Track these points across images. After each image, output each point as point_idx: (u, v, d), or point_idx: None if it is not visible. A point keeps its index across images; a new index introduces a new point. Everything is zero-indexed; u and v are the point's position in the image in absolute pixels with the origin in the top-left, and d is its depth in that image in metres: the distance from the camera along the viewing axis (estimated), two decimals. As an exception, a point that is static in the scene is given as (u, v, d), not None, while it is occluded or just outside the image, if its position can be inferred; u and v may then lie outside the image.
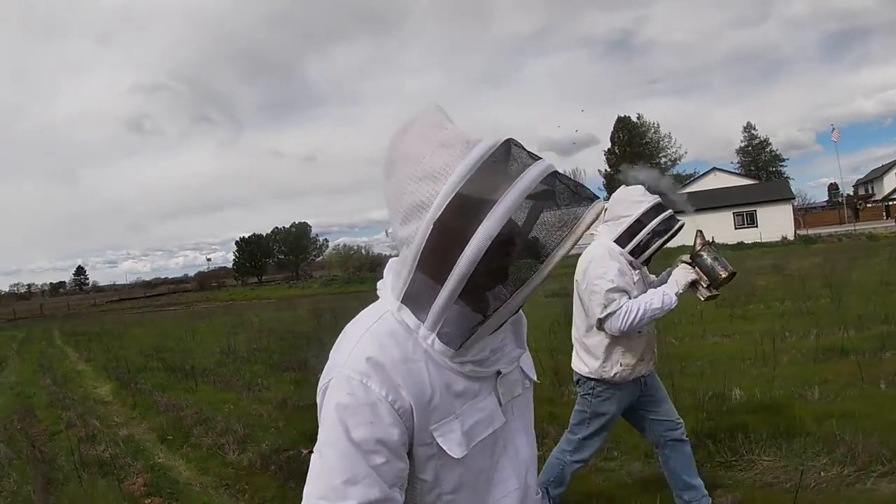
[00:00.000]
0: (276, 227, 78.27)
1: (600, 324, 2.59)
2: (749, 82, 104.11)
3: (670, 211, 2.67)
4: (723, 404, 4.42)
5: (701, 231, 2.71)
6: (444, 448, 0.92)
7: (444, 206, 0.83)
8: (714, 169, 46.43)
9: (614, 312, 2.54)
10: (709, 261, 2.58)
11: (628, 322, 2.52)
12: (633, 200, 2.67)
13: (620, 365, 2.64)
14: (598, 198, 0.87)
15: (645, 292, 2.65)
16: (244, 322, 17.08)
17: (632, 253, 2.64)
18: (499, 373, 1.00)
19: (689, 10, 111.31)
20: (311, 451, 0.92)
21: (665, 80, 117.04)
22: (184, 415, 6.24)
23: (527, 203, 0.84)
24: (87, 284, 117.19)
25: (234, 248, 78.44)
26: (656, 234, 2.63)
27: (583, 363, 2.75)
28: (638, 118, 61.87)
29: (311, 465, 0.90)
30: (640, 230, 2.60)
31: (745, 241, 32.84)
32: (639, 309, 2.52)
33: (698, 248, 2.62)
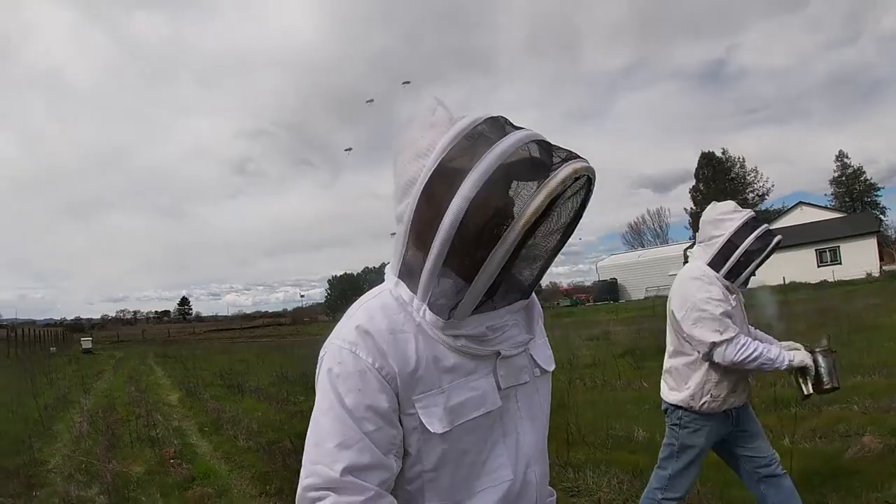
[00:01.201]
0: (367, 267, 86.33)
1: (710, 349, 2.62)
2: (849, 106, 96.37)
3: (765, 226, 2.69)
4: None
5: (829, 335, 2.86)
6: (424, 421, 1.01)
7: (426, 179, 0.97)
8: (800, 203, 45.11)
9: (731, 340, 2.57)
10: (824, 364, 2.66)
11: (743, 356, 2.56)
12: (722, 218, 2.72)
13: (711, 395, 2.66)
14: (578, 156, 0.96)
15: (742, 318, 2.76)
16: (314, 353, 19.71)
17: (728, 276, 2.67)
18: (499, 354, 1.07)
19: (779, 34, 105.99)
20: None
21: (763, 110, 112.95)
22: (223, 416, 8.48)
23: (511, 172, 0.94)
24: (191, 314, 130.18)
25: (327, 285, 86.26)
26: (752, 253, 2.65)
27: (671, 391, 2.79)
28: (723, 153, 61.87)
29: (307, 435, 1.03)
30: (734, 251, 2.64)
31: (828, 280, 32.01)
32: (756, 349, 2.56)
33: (821, 347, 2.68)
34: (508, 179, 0.96)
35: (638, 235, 67.91)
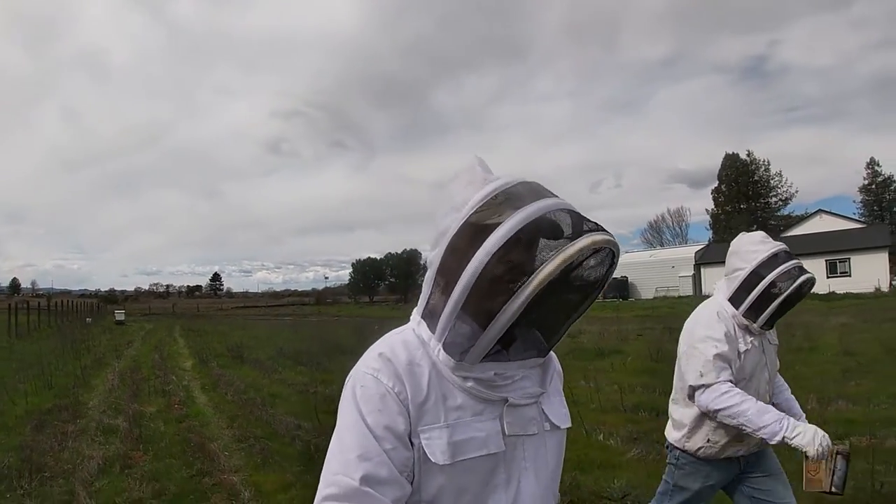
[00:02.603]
0: (389, 252, 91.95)
1: (692, 391, 2.57)
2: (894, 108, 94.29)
3: (796, 261, 2.53)
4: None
5: (851, 442, 2.80)
6: (427, 451, 1.09)
7: (455, 231, 1.09)
8: (819, 211, 46.21)
9: (711, 385, 2.50)
10: (837, 467, 2.48)
11: (719, 406, 2.47)
12: (748, 250, 2.59)
13: (708, 441, 2.60)
14: (601, 229, 1.04)
15: (761, 364, 2.63)
16: (323, 333, 22.54)
17: (748, 314, 2.55)
18: (506, 401, 1.15)
19: (824, 31, 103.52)
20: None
21: (803, 108, 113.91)
22: (221, 379, 11.26)
23: (534, 235, 1.03)
24: (221, 290, 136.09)
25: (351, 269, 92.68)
26: (777, 289, 2.50)
27: (671, 428, 2.77)
28: (748, 155, 62.77)
29: (329, 450, 1.12)
30: (756, 285, 2.51)
31: (837, 291, 32.97)
32: (739, 405, 2.43)
33: (841, 450, 2.50)
34: (531, 241, 1.03)
35: (658, 234, 69.31)
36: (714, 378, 2.50)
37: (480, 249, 1.01)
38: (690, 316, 2.73)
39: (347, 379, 1.18)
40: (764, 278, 2.51)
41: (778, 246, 2.58)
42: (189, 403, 9.19)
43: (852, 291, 33.09)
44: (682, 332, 2.71)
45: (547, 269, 0.98)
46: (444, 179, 1.22)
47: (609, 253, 1.06)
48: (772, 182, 62.13)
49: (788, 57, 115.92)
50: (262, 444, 6.38)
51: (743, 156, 63.10)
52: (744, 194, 60.11)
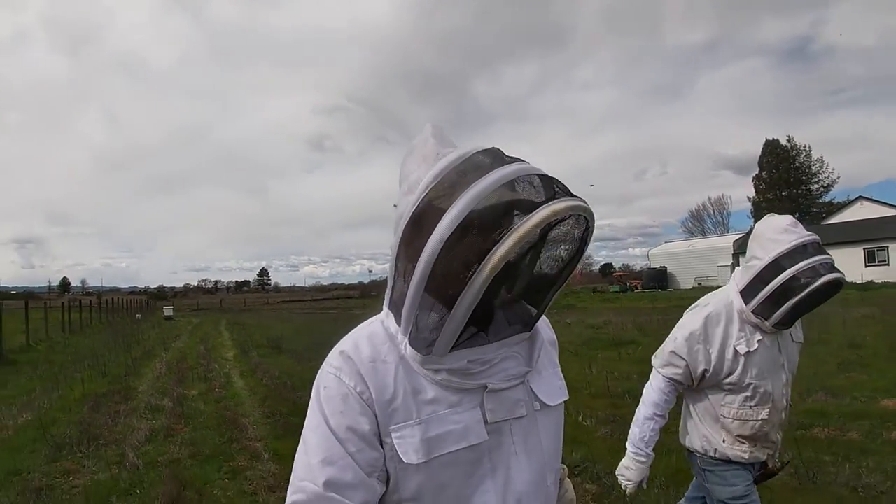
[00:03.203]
0: None
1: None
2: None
3: (825, 256, 2.24)
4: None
5: (781, 461, 2.64)
6: (399, 451, 1.06)
7: (409, 216, 1.01)
8: (860, 198, 44.85)
9: (654, 370, 2.57)
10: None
11: (644, 394, 2.57)
12: (772, 237, 2.32)
13: (704, 439, 2.54)
14: (567, 195, 0.97)
15: (780, 363, 2.44)
16: (350, 326, 23.71)
17: (762, 311, 2.32)
18: (486, 387, 1.10)
19: (869, 10, 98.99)
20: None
21: (850, 90, 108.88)
22: (259, 367, 12.36)
23: (492, 210, 0.94)
24: (269, 285, 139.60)
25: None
26: (796, 286, 2.22)
27: (682, 432, 2.70)
28: (788, 141, 61.78)
29: (296, 453, 1.11)
30: (773, 279, 2.25)
31: (875, 281, 32.44)
32: (642, 407, 2.55)
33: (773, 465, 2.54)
34: (489, 219, 0.94)
35: (699, 222, 68.92)
36: (659, 365, 2.54)
37: (432, 236, 0.95)
38: (703, 297, 2.59)
39: (317, 375, 1.16)
40: (783, 272, 2.25)
41: (806, 236, 2.28)
42: (227, 387, 10.28)
43: (890, 280, 32.64)
44: None
45: (499, 252, 0.92)
46: (403, 153, 1.16)
47: (581, 218, 1.01)
48: (813, 168, 61.09)
49: (832, 37, 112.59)
50: (286, 419, 7.35)
51: (783, 142, 62.34)
52: (785, 181, 59.18)
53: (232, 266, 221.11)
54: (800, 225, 2.36)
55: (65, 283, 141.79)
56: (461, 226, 0.93)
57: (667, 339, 2.54)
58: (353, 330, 1.20)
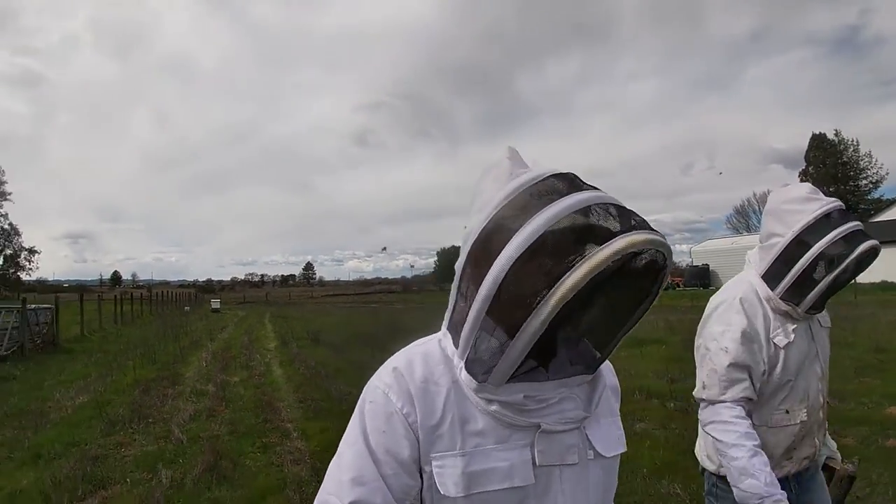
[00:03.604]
0: None
1: (696, 403, 2.15)
2: None
3: (855, 223, 1.97)
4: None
5: (859, 458, 2.38)
6: (437, 481, 1.03)
7: (476, 235, 1.00)
8: None
9: (712, 404, 2.05)
10: (842, 489, 2.27)
11: (714, 435, 2.04)
12: (789, 209, 2.05)
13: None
14: (645, 227, 0.91)
15: (813, 353, 2.13)
16: (396, 319, 24.37)
17: (788, 296, 2.03)
18: (539, 427, 1.04)
19: None
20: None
21: None
22: (297, 357, 13.14)
23: (564, 237, 0.90)
24: (314, 279, 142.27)
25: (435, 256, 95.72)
26: (828, 262, 1.95)
27: (698, 448, 2.30)
28: (836, 135, 59.98)
29: (331, 461, 1.09)
30: (801, 256, 1.97)
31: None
32: (734, 448, 1.96)
33: (850, 470, 2.27)
34: (560, 245, 0.90)
35: (744, 219, 67.58)
36: (717, 394, 2.04)
37: (500, 257, 0.92)
38: (713, 297, 2.22)
39: (365, 388, 1.12)
40: (810, 248, 1.96)
41: (830, 203, 2.02)
42: (267, 375, 11.03)
43: None
44: (701, 320, 2.21)
45: (571, 281, 0.87)
46: (475, 177, 1.14)
47: (659, 255, 0.95)
48: (861, 163, 59.35)
49: (883, 25, 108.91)
50: (317, 404, 8.02)
51: (831, 136, 60.85)
52: (832, 176, 57.29)
53: (278, 260, 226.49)
54: (819, 192, 2.08)
55: (116, 277, 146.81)
56: (531, 248, 0.90)
57: (706, 360, 2.10)
58: (409, 346, 1.15)
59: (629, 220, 0.92)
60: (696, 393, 2.13)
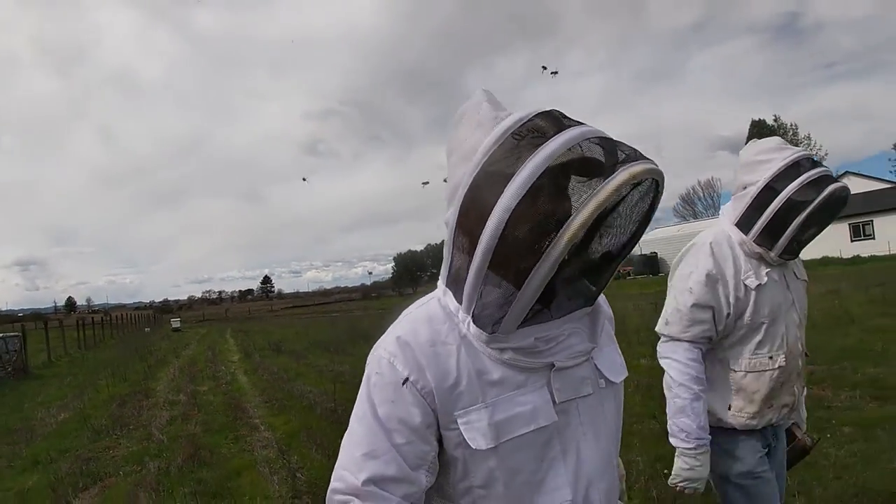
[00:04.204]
0: (430, 244, 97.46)
1: (658, 334, 2.26)
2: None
3: (822, 168, 2.07)
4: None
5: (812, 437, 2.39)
6: (466, 437, 1.05)
7: (468, 185, 0.98)
8: (847, 173, 44.65)
9: (672, 341, 2.18)
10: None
11: (666, 370, 2.16)
12: (760, 160, 2.13)
13: (729, 408, 2.16)
14: (639, 157, 0.92)
15: (790, 301, 2.20)
16: (354, 325, 25.39)
17: (761, 240, 2.11)
18: (553, 366, 1.07)
19: None
20: None
21: (843, 63, 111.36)
22: (260, 366, 14.09)
23: (561, 175, 0.92)
24: (273, 292, 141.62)
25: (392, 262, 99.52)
26: (798, 205, 2.03)
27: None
28: (775, 120, 62.81)
29: (343, 438, 1.11)
30: (772, 201, 2.06)
31: (862, 255, 33.51)
32: (679, 387, 2.10)
33: (805, 440, 2.34)
34: (558, 183, 0.92)
35: (690, 206, 69.49)
36: (678, 332, 2.16)
37: (497, 205, 0.90)
38: (693, 239, 2.29)
39: (368, 359, 1.13)
40: (781, 192, 2.05)
41: (798, 152, 2.10)
42: (233, 383, 11.99)
43: (877, 254, 33.63)
44: (672, 263, 2.33)
45: (578, 221, 0.87)
46: (450, 121, 1.10)
47: (653, 182, 0.96)
48: (800, 146, 61.94)
49: (822, 10, 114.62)
50: (281, 402, 9.04)
51: (770, 121, 63.34)
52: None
53: (235, 275, 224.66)
54: (788, 144, 2.17)
55: (70, 303, 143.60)
56: (530, 192, 0.89)
57: (671, 300, 2.22)
58: (408, 309, 1.16)
59: (623, 152, 0.93)
60: (658, 327, 2.24)
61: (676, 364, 2.14)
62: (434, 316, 1.11)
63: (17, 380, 15.52)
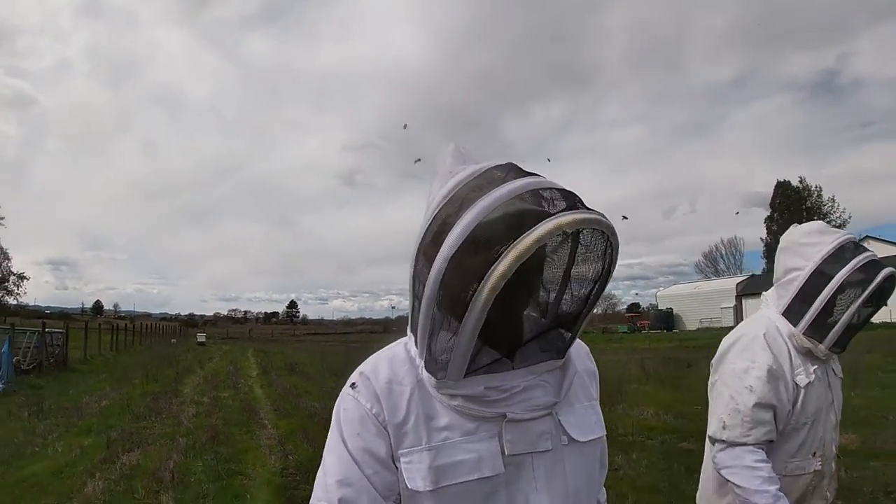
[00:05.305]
0: None
1: (711, 442, 2.08)
2: None
3: (869, 253, 1.97)
4: None
5: None
6: (405, 476, 1.08)
7: (421, 235, 1.05)
8: (867, 237, 44.45)
9: (734, 446, 1.97)
10: None
11: (736, 481, 1.95)
12: (805, 242, 2.05)
13: None
14: (578, 208, 0.94)
15: (830, 400, 2.07)
16: (367, 355, 27.35)
17: (811, 332, 1.99)
18: (505, 417, 1.07)
19: (893, 41, 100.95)
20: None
21: (879, 123, 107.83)
22: (275, 382, 16.05)
23: (502, 227, 0.93)
24: (297, 317, 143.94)
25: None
26: (850, 293, 1.94)
27: (699, 497, 2.25)
28: (800, 182, 63.49)
29: (318, 472, 1.14)
30: (822, 288, 1.95)
31: (874, 322, 33.20)
32: (757, 495, 1.89)
33: None
34: (492, 237, 0.92)
35: (712, 264, 69.92)
36: (740, 435, 1.95)
37: (438, 256, 0.95)
38: (730, 333, 2.15)
39: (339, 397, 1.17)
40: (831, 280, 1.91)
41: (845, 235, 2.00)
42: (249, 393, 13.97)
43: (888, 321, 34.28)
44: (715, 356, 2.15)
45: (498, 271, 0.89)
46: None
47: (600, 234, 0.99)
48: (824, 208, 62.12)
49: (859, 70, 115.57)
50: (287, 411, 10.95)
51: (795, 182, 64.14)
52: (797, 222, 59.68)
53: (262, 297, 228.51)
54: (830, 228, 2.09)
55: (98, 306, 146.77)
56: (467, 242, 0.93)
57: (728, 399, 2.02)
58: (377, 352, 1.21)
59: (567, 202, 0.95)
60: (714, 433, 2.03)
61: (745, 471, 1.94)
62: (396, 357, 1.17)
63: (59, 371, 17.68)
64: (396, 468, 1.10)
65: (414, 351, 1.14)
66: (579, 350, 1.24)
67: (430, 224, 1.03)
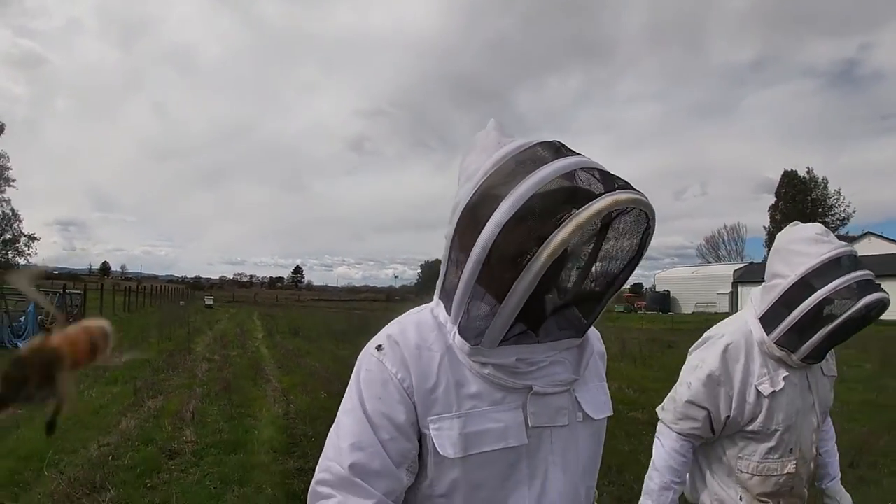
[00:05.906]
0: None
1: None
2: None
3: (864, 272, 1.91)
4: None
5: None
6: (436, 443, 1.09)
7: (467, 202, 1.06)
8: (868, 234, 45.68)
9: (666, 426, 2.15)
10: None
11: (655, 455, 2.14)
12: (797, 250, 1.99)
13: (717, 500, 2.13)
14: (628, 188, 0.98)
15: (809, 404, 2.06)
16: (368, 321, 28.66)
17: (787, 341, 1.97)
18: (531, 389, 1.11)
19: None
20: None
21: None
22: (279, 343, 17.41)
23: (551, 200, 0.97)
24: (303, 283, 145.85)
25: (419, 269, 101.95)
26: (829, 309, 1.90)
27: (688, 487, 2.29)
28: (807, 172, 63.50)
29: (331, 430, 1.15)
30: (802, 301, 1.91)
31: (883, 318, 34.04)
32: (655, 473, 2.10)
33: None
34: (547, 208, 0.96)
35: (714, 249, 70.81)
36: (670, 421, 2.13)
37: (490, 221, 0.97)
38: (714, 327, 2.19)
39: (360, 355, 1.19)
40: (813, 293, 1.88)
41: (840, 247, 1.93)
42: (256, 352, 15.33)
43: (886, 319, 34.47)
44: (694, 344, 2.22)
45: (558, 238, 0.93)
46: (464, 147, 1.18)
47: (642, 214, 1.02)
48: (829, 201, 64.29)
49: (880, 61, 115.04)
50: (290, 368, 12.27)
51: (802, 173, 64.40)
52: (801, 213, 59.72)
53: (267, 262, 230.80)
54: (831, 234, 2.01)
55: (105, 267, 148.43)
56: (519, 213, 0.96)
57: (676, 387, 2.14)
58: (401, 316, 1.22)
59: (613, 182, 0.99)
60: (658, 408, 2.20)
61: (661, 450, 2.12)
62: (424, 323, 1.19)
63: (79, 330, 18.99)
64: (419, 436, 1.13)
65: (443, 317, 1.17)
66: (593, 333, 1.28)
67: (474, 192, 1.06)
